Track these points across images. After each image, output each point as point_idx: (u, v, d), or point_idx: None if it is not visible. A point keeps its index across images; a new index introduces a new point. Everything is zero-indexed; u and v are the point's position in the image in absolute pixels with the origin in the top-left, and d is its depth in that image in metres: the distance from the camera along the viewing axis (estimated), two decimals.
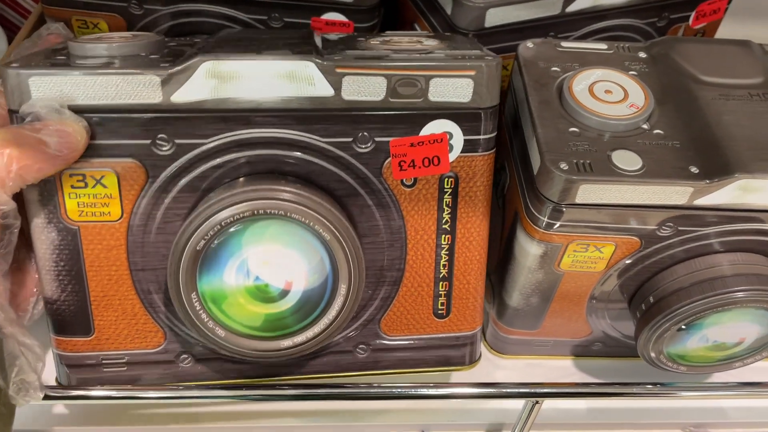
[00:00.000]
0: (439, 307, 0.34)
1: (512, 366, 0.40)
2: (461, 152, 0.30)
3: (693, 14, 0.45)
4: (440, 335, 0.34)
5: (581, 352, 0.40)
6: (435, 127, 0.29)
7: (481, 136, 0.30)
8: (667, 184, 0.30)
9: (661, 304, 0.33)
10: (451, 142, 0.30)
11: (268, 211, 0.27)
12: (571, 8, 0.41)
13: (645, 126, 0.32)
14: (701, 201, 0.30)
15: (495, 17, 0.39)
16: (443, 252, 0.32)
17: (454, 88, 0.29)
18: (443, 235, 0.32)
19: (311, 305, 0.29)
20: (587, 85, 0.33)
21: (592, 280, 0.35)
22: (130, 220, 0.29)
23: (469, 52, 0.30)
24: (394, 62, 0.28)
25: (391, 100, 0.28)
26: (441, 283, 0.33)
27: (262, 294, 0.29)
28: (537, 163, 0.31)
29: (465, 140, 0.30)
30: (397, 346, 0.34)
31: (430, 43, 0.31)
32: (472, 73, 0.28)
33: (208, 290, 0.29)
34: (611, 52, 0.36)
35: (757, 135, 0.31)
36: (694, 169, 0.30)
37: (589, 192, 0.30)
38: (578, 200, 0.30)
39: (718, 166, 0.30)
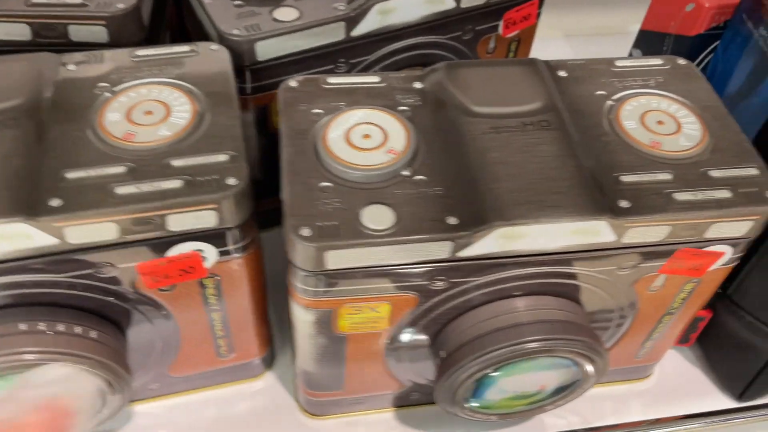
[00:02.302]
0: (221, 353, 0.35)
1: (329, 428, 0.37)
2: (218, 259, 0.29)
3: (501, 23, 0.42)
4: (227, 366, 0.36)
5: (401, 402, 0.37)
6: (182, 248, 0.28)
7: (235, 246, 0.29)
8: (422, 241, 0.27)
9: (448, 361, 0.30)
10: (203, 254, 0.29)
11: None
12: (357, 32, 0.37)
13: (406, 173, 0.29)
14: (466, 252, 0.28)
15: (268, 50, 0.36)
16: (216, 323, 0.33)
17: (195, 219, 0.27)
18: (212, 313, 0.32)
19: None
20: (344, 131, 0.30)
21: (379, 339, 0.32)
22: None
23: (215, 161, 0.27)
24: (121, 206, 0.26)
25: (127, 236, 0.27)
26: (218, 340, 0.34)
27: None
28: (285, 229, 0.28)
29: (219, 251, 0.29)
30: (187, 378, 0.36)
31: (179, 117, 0.29)
32: (214, 206, 0.27)
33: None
34: (383, 85, 0.32)
35: (523, 173, 0.28)
36: (452, 221, 0.27)
37: (339, 257, 0.27)
38: (330, 266, 0.27)
39: (476, 215, 0.27)
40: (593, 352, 0.30)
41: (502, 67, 0.34)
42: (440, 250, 0.27)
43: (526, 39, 0.45)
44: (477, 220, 0.27)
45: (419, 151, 0.29)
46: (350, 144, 0.29)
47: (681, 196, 0.28)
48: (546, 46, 0.60)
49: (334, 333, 0.31)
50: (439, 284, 0.29)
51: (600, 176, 0.29)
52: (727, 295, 0.37)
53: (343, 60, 0.38)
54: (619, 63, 0.34)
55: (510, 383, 0.31)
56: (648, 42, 0.51)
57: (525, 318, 0.30)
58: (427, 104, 0.32)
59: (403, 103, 0.32)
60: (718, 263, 0.31)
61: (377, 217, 0.27)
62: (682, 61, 0.34)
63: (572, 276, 0.30)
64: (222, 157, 0.27)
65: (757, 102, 0.43)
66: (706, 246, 0.30)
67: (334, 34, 0.37)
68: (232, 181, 0.27)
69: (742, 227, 0.29)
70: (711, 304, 0.38)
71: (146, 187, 0.26)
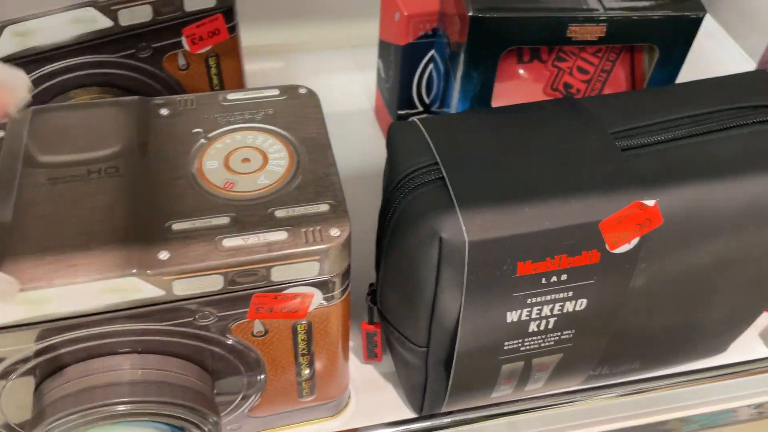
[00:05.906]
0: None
1: None
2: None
3: (185, 39, 0.40)
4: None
5: None
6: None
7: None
8: None
9: None
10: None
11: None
12: None
13: None
14: None
15: None
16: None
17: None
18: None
19: None
20: None
21: None
22: None
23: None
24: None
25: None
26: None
27: None
28: None
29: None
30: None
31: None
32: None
33: None
34: None
35: (62, 229, 0.26)
36: None
37: None
38: None
39: None
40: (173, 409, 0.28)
41: (94, 108, 0.31)
42: None
43: (226, 54, 0.41)
44: None
45: None
46: None
47: (230, 242, 0.26)
48: (330, 58, 0.58)
49: None
50: None
51: (150, 227, 0.26)
52: (380, 310, 0.35)
53: None
54: (230, 96, 0.32)
55: None
56: (383, 52, 0.48)
57: (98, 381, 0.28)
58: None
59: None
60: (316, 303, 0.29)
61: None
62: (303, 90, 0.32)
63: (150, 332, 0.28)
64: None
65: (447, 110, 0.41)
66: (286, 288, 0.28)
67: None
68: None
69: (309, 268, 0.27)
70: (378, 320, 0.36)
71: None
